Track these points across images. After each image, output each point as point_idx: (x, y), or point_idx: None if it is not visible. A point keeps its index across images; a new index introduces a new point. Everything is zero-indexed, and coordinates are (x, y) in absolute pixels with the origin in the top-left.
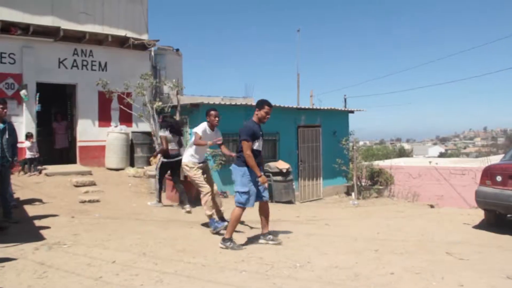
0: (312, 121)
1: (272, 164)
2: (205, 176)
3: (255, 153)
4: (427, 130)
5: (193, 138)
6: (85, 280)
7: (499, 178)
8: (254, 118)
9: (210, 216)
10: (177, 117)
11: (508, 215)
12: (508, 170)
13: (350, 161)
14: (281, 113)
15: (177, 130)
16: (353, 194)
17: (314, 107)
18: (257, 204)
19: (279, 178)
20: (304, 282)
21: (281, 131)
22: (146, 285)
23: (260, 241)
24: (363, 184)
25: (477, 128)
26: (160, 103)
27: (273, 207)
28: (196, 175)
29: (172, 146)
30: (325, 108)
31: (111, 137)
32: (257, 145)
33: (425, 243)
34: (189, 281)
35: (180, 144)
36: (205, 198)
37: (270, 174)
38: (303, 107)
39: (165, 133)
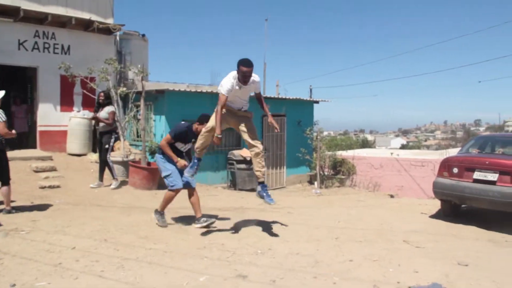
0: (277, 110)
1: (236, 152)
2: None
3: (177, 150)
4: (390, 122)
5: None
6: (43, 267)
7: (455, 170)
8: (194, 128)
9: None
10: (142, 103)
11: (463, 205)
12: (464, 163)
13: (314, 151)
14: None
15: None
16: (315, 183)
17: (280, 96)
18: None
19: (243, 166)
20: (265, 268)
21: None
22: (106, 271)
23: (196, 225)
24: (326, 173)
25: (438, 121)
26: (124, 89)
27: (236, 195)
28: None
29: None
30: (291, 97)
31: (73, 122)
32: (181, 146)
33: (384, 232)
34: (150, 267)
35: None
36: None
37: (234, 162)
38: (268, 96)
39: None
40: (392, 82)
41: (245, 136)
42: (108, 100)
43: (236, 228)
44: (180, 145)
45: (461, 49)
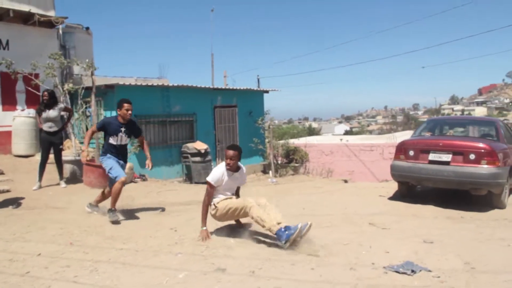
0: (229, 101)
1: (190, 145)
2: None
3: (113, 147)
4: (333, 109)
5: None
6: (10, 278)
7: (411, 153)
8: (118, 117)
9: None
10: (93, 99)
11: (418, 186)
12: (419, 145)
13: (266, 140)
14: (198, 93)
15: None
16: (270, 172)
17: (230, 87)
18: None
19: (197, 159)
20: (241, 259)
21: (198, 111)
22: (80, 275)
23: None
24: (279, 162)
25: (378, 107)
26: (71, 85)
27: (194, 188)
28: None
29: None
30: (241, 88)
31: (18, 121)
32: (113, 139)
33: (349, 216)
34: (125, 268)
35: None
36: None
37: (189, 155)
38: (219, 87)
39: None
40: (334, 70)
41: None
42: (53, 99)
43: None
44: (112, 140)
45: (403, 36)
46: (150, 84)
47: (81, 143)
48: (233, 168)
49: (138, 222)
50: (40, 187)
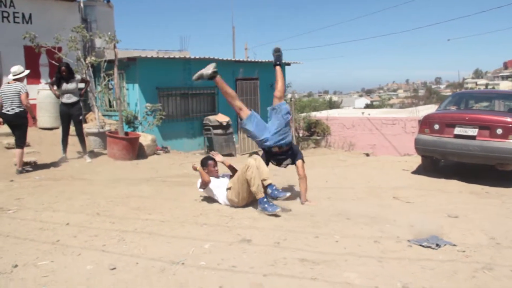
0: (250, 74)
1: (211, 117)
2: None
3: None
4: (353, 83)
5: None
6: (41, 245)
7: (436, 127)
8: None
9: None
10: (115, 72)
11: (442, 161)
12: (445, 119)
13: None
14: (219, 66)
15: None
16: None
17: (252, 59)
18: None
19: (219, 131)
20: (266, 231)
21: None
22: (108, 245)
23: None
24: (301, 135)
25: (400, 80)
26: (94, 58)
27: None
28: None
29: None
30: (263, 60)
31: (42, 95)
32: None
33: (373, 189)
34: (152, 238)
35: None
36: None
37: (211, 128)
38: (240, 60)
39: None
40: (355, 43)
41: None
42: (70, 73)
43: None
44: None
45: (426, 8)
46: (171, 56)
47: (104, 115)
48: None
49: (163, 193)
50: (66, 159)
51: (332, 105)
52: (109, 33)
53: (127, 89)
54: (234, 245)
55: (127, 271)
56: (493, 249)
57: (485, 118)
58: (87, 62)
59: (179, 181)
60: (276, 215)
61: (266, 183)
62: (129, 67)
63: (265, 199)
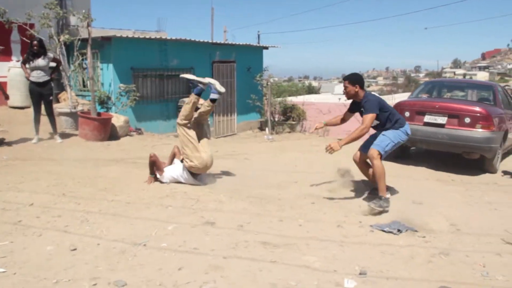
0: (227, 56)
1: (186, 99)
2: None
3: None
4: (334, 69)
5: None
6: (2, 226)
7: (407, 114)
8: None
9: None
10: (88, 51)
11: (412, 148)
12: (415, 107)
13: (264, 97)
14: (196, 48)
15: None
16: (267, 129)
17: (229, 42)
18: None
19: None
20: (231, 214)
21: (195, 66)
22: (71, 225)
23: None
24: (276, 119)
25: (380, 68)
26: (68, 36)
27: None
28: None
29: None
30: (240, 43)
31: (13, 72)
32: None
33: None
34: (115, 219)
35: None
36: None
37: None
38: (217, 42)
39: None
40: (335, 29)
41: None
42: (43, 49)
43: (195, 176)
44: None
45: None
46: (148, 37)
47: (77, 95)
48: None
49: (132, 175)
50: (39, 140)
51: (311, 90)
52: (83, 10)
53: (101, 69)
54: (197, 228)
55: (88, 252)
56: (452, 235)
57: (454, 107)
58: (60, 40)
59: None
60: None
61: None
62: (104, 46)
63: None
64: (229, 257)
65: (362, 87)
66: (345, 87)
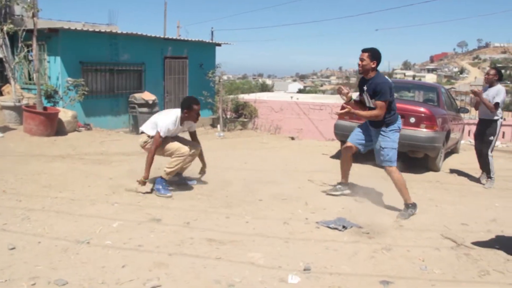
0: (179, 52)
1: (137, 95)
2: None
3: None
4: (288, 68)
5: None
6: None
7: None
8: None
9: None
10: (34, 43)
11: None
12: None
13: (216, 94)
14: (148, 43)
15: None
16: (218, 126)
17: (181, 38)
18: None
19: (144, 109)
20: (178, 211)
21: (147, 61)
22: (10, 223)
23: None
24: (228, 116)
25: (333, 67)
26: (12, 26)
27: (138, 139)
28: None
29: None
30: (193, 40)
31: None
32: None
33: (289, 172)
34: (59, 216)
35: None
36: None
37: (136, 106)
38: (170, 37)
39: None
40: (290, 27)
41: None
42: None
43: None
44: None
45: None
46: (98, 30)
47: (23, 88)
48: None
49: (77, 171)
50: None
51: (264, 88)
52: (28, 0)
53: (48, 62)
54: (143, 225)
55: (27, 250)
56: (395, 231)
57: (400, 106)
58: (3, 29)
59: (96, 159)
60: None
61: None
62: (51, 38)
63: (164, 182)
64: (174, 254)
65: (378, 65)
66: (362, 60)
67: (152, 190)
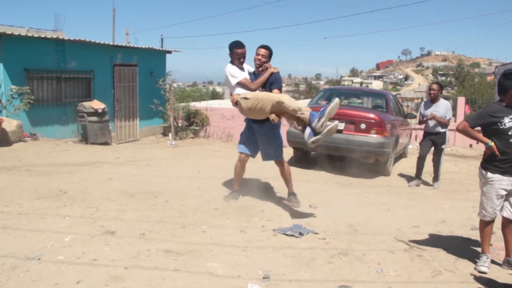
0: (129, 60)
1: (86, 103)
2: None
3: None
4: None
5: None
6: None
7: None
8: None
9: None
10: None
11: (313, 153)
12: None
13: (167, 102)
14: (96, 50)
15: None
16: (170, 134)
17: (131, 45)
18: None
19: (94, 118)
20: (132, 222)
21: (96, 69)
22: None
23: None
24: (179, 125)
25: (283, 75)
26: None
27: (90, 149)
28: None
29: None
30: (142, 47)
31: None
32: None
33: (243, 180)
34: (5, 232)
35: None
36: None
37: (85, 115)
38: (119, 44)
39: None
40: (239, 35)
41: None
42: None
43: (95, 183)
44: None
45: (306, 6)
46: (43, 36)
47: None
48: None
49: (24, 183)
50: None
51: (215, 95)
52: None
53: None
54: (96, 238)
55: None
56: (350, 235)
57: (351, 113)
58: None
59: (45, 170)
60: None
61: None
62: None
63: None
64: (131, 267)
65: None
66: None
67: None
